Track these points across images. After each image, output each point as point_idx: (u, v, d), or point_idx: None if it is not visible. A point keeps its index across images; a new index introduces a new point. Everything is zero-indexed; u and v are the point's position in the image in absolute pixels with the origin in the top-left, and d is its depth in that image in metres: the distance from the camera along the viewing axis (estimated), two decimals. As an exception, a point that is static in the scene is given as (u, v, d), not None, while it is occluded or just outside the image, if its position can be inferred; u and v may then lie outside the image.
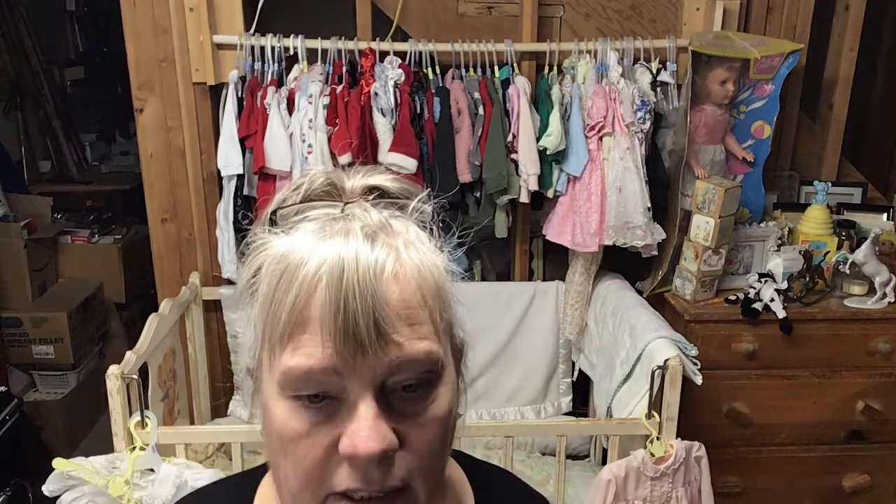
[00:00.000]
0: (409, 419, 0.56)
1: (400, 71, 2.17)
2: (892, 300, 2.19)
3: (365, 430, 0.54)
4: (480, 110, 2.20)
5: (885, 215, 2.44)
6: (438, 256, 0.60)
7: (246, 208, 2.25)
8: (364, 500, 0.56)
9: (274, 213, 0.62)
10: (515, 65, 2.26)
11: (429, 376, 0.57)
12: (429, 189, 0.67)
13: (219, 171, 2.25)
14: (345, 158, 2.10)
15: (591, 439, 2.52)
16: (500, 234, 2.32)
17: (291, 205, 0.61)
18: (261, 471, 0.71)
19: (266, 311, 0.56)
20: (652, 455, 1.80)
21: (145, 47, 2.29)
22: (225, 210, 2.27)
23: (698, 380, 1.88)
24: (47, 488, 1.66)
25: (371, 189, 0.63)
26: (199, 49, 2.23)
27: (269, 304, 0.56)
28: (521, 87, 2.20)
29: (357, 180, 0.63)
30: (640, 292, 2.37)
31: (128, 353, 1.83)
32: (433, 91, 2.21)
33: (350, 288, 0.53)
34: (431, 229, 0.62)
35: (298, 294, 0.54)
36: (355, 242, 0.55)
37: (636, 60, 2.25)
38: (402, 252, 0.57)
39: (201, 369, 2.48)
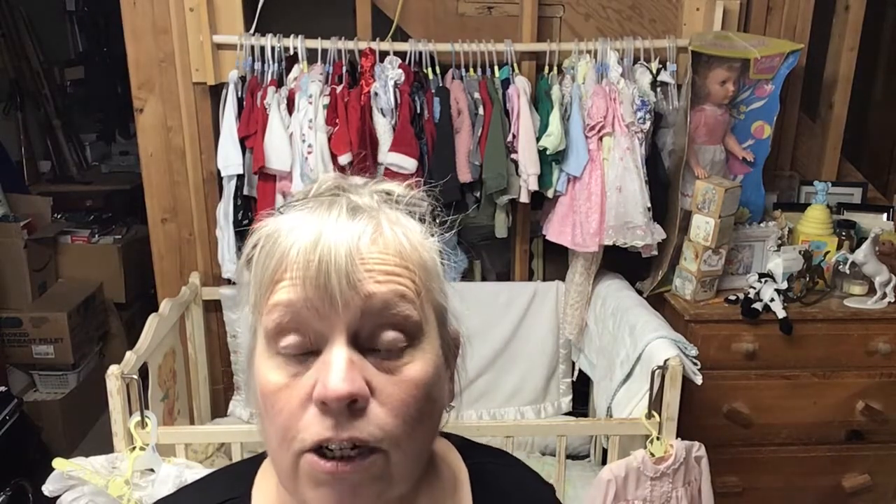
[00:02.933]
0: (382, 374, 0.57)
1: (400, 71, 2.17)
2: (892, 300, 2.19)
3: (335, 373, 0.55)
4: (480, 110, 2.20)
5: (885, 215, 2.44)
6: (428, 240, 0.62)
7: (246, 208, 2.25)
8: (337, 459, 0.56)
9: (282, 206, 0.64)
10: (515, 65, 2.26)
11: (403, 332, 0.58)
12: (428, 186, 0.68)
13: (219, 171, 2.25)
14: (345, 158, 2.10)
15: (591, 439, 2.52)
16: (500, 234, 2.32)
17: (300, 199, 0.63)
18: (262, 456, 0.71)
19: (256, 277, 0.60)
20: (652, 455, 1.79)
21: (145, 47, 2.29)
22: (225, 210, 2.27)
23: (698, 380, 1.88)
24: (47, 488, 1.66)
25: (381, 192, 0.64)
26: (199, 49, 2.23)
27: (258, 269, 0.60)
28: (521, 87, 2.20)
29: (368, 186, 0.64)
30: (640, 292, 2.37)
31: (128, 353, 1.83)
32: (433, 91, 2.21)
33: (326, 244, 0.56)
34: (423, 219, 0.64)
35: (281, 254, 0.58)
36: (337, 213, 0.59)
37: (636, 60, 2.25)
38: (385, 225, 0.59)
39: (201, 369, 2.48)
